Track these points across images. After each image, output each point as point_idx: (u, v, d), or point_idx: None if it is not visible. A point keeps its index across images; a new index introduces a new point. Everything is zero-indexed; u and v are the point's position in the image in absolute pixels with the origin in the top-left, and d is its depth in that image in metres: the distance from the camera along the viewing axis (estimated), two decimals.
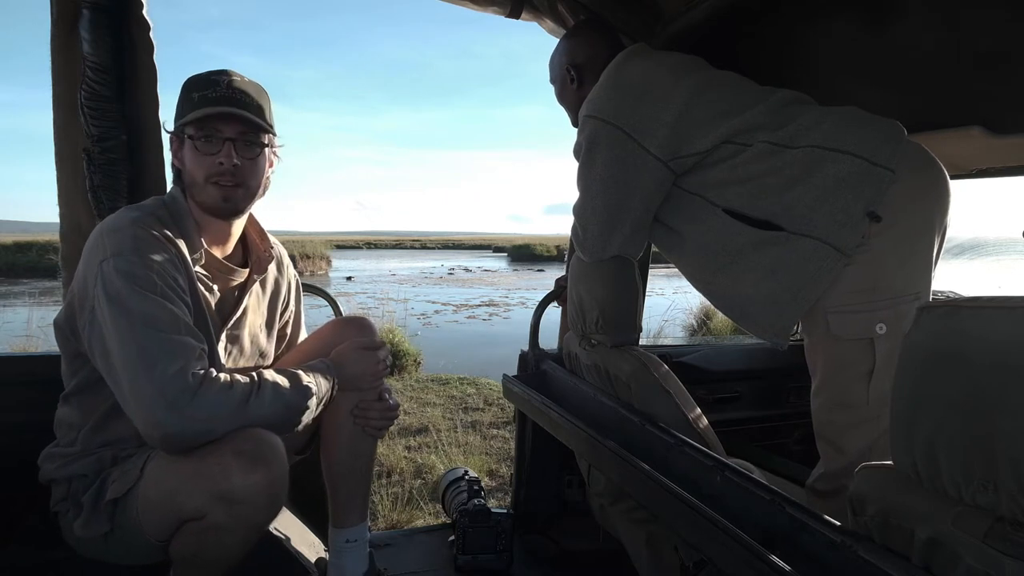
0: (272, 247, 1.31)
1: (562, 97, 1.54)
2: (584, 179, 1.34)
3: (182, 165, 1.14)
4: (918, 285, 1.16)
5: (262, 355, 1.32)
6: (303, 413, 1.09)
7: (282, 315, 1.40)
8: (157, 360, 0.95)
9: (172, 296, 1.02)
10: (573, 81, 1.48)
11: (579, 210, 1.38)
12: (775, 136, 1.21)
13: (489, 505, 1.67)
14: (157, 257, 1.03)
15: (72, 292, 1.07)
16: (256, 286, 1.28)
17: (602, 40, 1.50)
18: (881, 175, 1.13)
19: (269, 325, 1.34)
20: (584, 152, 1.32)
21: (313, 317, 1.52)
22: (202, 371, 0.99)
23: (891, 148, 1.15)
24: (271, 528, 1.33)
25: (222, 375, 1.01)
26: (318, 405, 1.13)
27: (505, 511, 1.64)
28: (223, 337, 1.20)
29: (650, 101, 1.25)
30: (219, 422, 0.97)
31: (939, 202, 1.18)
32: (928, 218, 1.17)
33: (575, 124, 1.46)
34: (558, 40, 1.56)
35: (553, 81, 1.56)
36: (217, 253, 1.20)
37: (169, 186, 1.41)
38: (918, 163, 1.17)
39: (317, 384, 1.13)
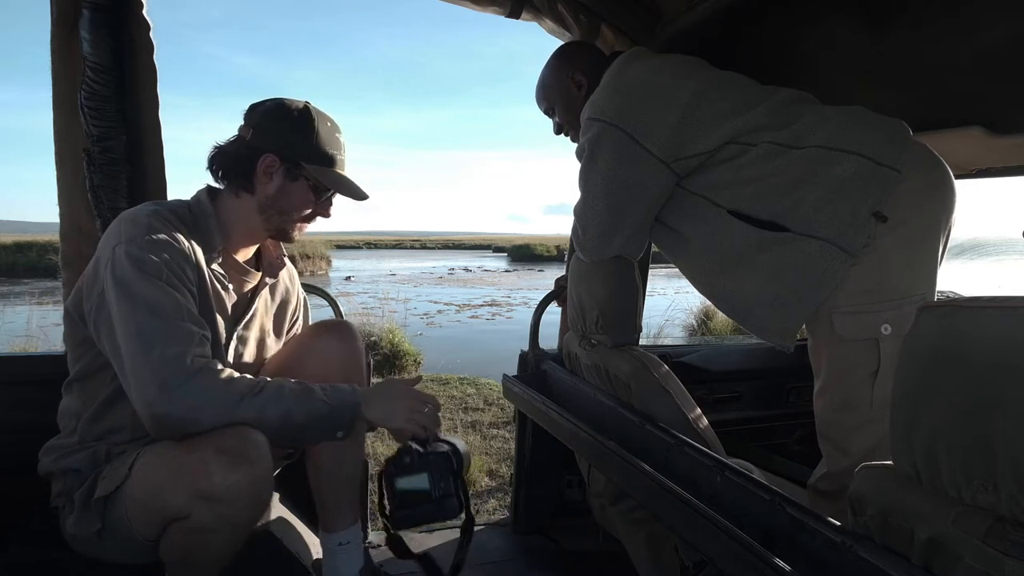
0: (283, 255, 1.34)
1: (567, 111, 1.47)
2: (586, 180, 1.33)
3: (278, 190, 1.17)
4: (923, 285, 1.15)
5: (268, 359, 1.32)
6: (308, 428, 1.06)
7: (291, 327, 1.40)
8: (156, 343, 0.97)
9: (178, 284, 1.04)
10: (580, 87, 1.45)
11: (580, 211, 1.38)
12: (779, 136, 1.20)
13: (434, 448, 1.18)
14: (168, 247, 1.05)
15: (83, 276, 1.09)
16: (266, 291, 1.30)
17: (595, 50, 1.51)
18: (887, 175, 1.13)
19: (277, 332, 1.35)
20: (586, 154, 1.31)
21: (314, 317, 1.52)
22: (203, 358, 1.00)
23: (897, 148, 1.15)
24: (271, 528, 1.33)
25: (222, 369, 1.01)
26: (332, 426, 1.08)
27: (448, 445, 1.18)
28: (235, 337, 1.21)
29: (653, 103, 1.25)
30: (206, 411, 0.97)
31: (945, 202, 1.18)
32: (934, 218, 1.16)
33: (576, 139, 1.44)
34: (549, 58, 1.52)
35: (552, 102, 1.50)
36: (239, 257, 1.23)
37: (170, 185, 1.42)
38: (924, 163, 1.17)
39: (330, 401, 1.07)
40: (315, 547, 1.44)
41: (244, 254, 1.25)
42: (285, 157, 1.15)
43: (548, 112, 1.53)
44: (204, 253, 1.13)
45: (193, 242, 1.11)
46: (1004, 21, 1.24)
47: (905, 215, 1.13)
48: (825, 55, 1.60)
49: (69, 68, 1.30)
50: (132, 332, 0.98)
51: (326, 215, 1.25)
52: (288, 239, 1.25)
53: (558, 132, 1.54)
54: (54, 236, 1.58)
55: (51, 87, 1.32)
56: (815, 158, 1.17)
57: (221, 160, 1.18)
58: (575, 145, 1.40)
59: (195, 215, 1.16)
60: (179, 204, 1.17)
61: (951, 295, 1.25)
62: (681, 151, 1.24)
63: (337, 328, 1.33)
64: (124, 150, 1.34)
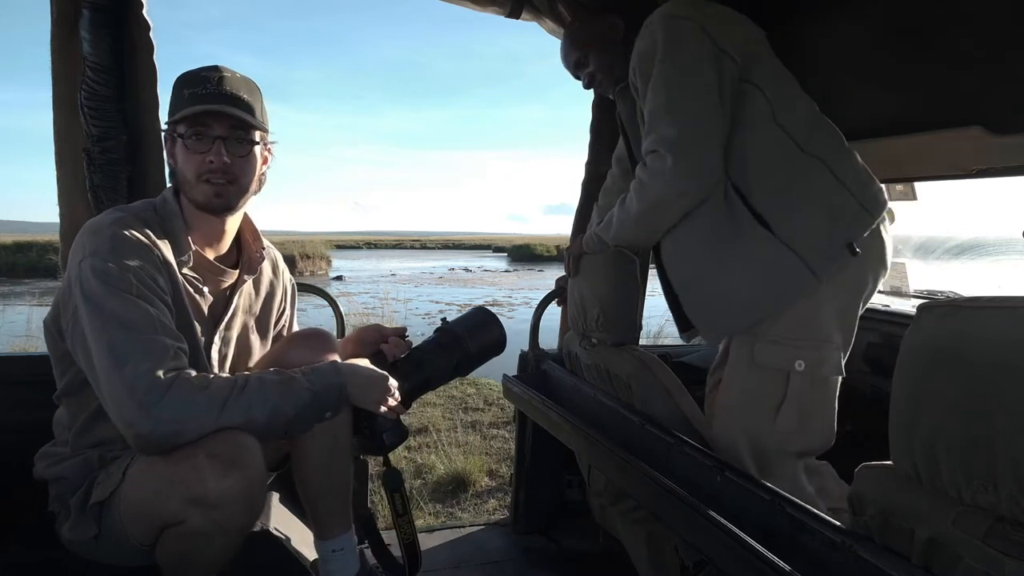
0: (265, 248, 1.28)
1: (602, 57, 1.46)
2: (663, 78, 1.24)
3: (175, 163, 1.12)
4: (843, 335, 1.19)
5: (255, 357, 1.29)
6: (297, 419, 1.05)
7: (278, 320, 1.37)
8: (128, 359, 0.94)
9: (149, 296, 1.00)
10: (616, 31, 1.44)
11: (656, 112, 1.25)
12: (793, 126, 1.21)
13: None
14: (134, 257, 1.01)
15: (59, 292, 1.07)
16: (247, 287, 1.26)
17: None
18: (863, 216, 1.17)
19: (263, 327, 1.32)
20: (661, 48, 1.24)
21: (314, 317, 1.51)
22: (175, 371, 0.96)
23: (873, 193, 1.20)
24: (271, 528, 1.32)
25: (197, 376, 0.98)
26: (320, 409, 1.08)
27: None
28: (216, 339, 1.18)
29: (722, 16, 1.26)
30: (189, 423, 0.94)
31: (885, 260, 1.23)
32: (875, 271, 1.21)
33: (607, 89, 1.48)
34: (564, 34, 1.54)
35: (587, 49, 1.47)
36: (210, 254, 1.18)
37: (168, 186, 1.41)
38: (885, 213, 1.22)
39: (314, 387, 1.06)
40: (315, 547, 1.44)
41: (215, 251, 1.19)
42: (168, 130, 1.11)
43: (579, 63, 1.49)
44: (174, 256, 1.09)
45: (161, 246, 1.07)
46: (1004, 21, 1.25)
47: (863, 258, 1.17)
48: (824, 55, 1.60)
49: (69, 68, 1.30)
50: (104, 349, 0.95)
51: (216, 159, 1.07)
52: (213, 207, 1.11)
53: (588, 85, 1.52)
54: (54, 236, 1.56)
55: (51, 87, 1.32)
56: (814, 171, 1.19)
57: None
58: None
59: (161, 216, 1.11)
60: (145, 206, 1.12)
61: (951, 295, 1.25)
62: (746, 61, 1.24)
63: (315, 337, 1.27)
64: (124, 150, 1.34)
